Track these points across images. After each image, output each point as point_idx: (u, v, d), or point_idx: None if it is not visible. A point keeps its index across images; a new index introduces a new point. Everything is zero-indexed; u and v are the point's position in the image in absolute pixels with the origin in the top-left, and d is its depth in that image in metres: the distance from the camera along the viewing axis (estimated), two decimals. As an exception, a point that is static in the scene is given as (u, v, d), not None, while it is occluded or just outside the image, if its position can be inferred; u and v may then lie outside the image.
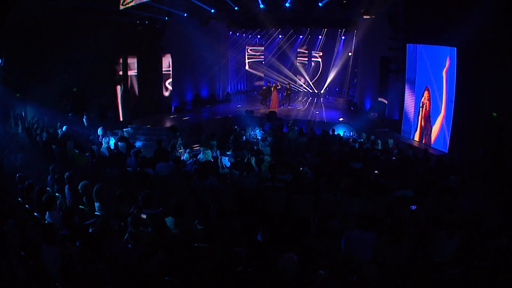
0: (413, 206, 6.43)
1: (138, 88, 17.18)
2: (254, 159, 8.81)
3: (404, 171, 9.24)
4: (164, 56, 18.18)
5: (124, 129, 15.39)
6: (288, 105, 20.93)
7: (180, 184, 7.95)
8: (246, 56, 23.77)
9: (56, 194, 7.01)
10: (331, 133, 14.75)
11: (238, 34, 22.84)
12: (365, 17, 14.53)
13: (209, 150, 9.55)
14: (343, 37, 22.02)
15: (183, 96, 20.06)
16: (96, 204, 6.42)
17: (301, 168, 7.70)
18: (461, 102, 12.49)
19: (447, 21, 12.50)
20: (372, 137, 13.31)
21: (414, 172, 9.62)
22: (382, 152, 11.76)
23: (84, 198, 6.68)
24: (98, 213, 6.34)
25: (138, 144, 14.81)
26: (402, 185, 8.34)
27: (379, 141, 12.91)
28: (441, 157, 10.47)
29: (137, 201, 5.94)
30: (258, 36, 23.65)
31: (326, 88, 23.89)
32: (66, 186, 7.16)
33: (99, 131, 12.73)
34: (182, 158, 9.88)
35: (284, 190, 7.45)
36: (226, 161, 10.00)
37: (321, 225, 6.90)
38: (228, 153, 10.38)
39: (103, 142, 11.59)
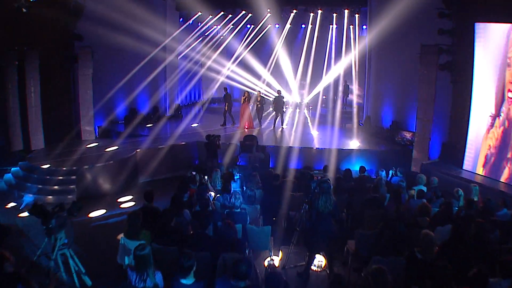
0: None
1: (41, 100, 12.20)
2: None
3: None
4: (82, 50, 12.84)
5: (12, 169, 10.94)
6: (282, 124, 14.68)
7: None
8: (203, 53, 17.74)
9: None
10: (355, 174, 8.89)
11: (192, 22, 17.28)
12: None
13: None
14: (335, 26, 16.57)
15: (112, 111, 14.57)
16: None
17: None
18: None
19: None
20: (461, 193, 7.17)
21: None
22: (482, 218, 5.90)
23: None
24: None
25: (27, 199, 9.71)
26: None
27: (461, 193, 7.15)
28: None
29: None
30: (217, 26, 17.72)
31: (312, 96, 18.24)
32: None
33: None
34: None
35: None
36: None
37: None
38: (185, 283, 3.82)
39: None
